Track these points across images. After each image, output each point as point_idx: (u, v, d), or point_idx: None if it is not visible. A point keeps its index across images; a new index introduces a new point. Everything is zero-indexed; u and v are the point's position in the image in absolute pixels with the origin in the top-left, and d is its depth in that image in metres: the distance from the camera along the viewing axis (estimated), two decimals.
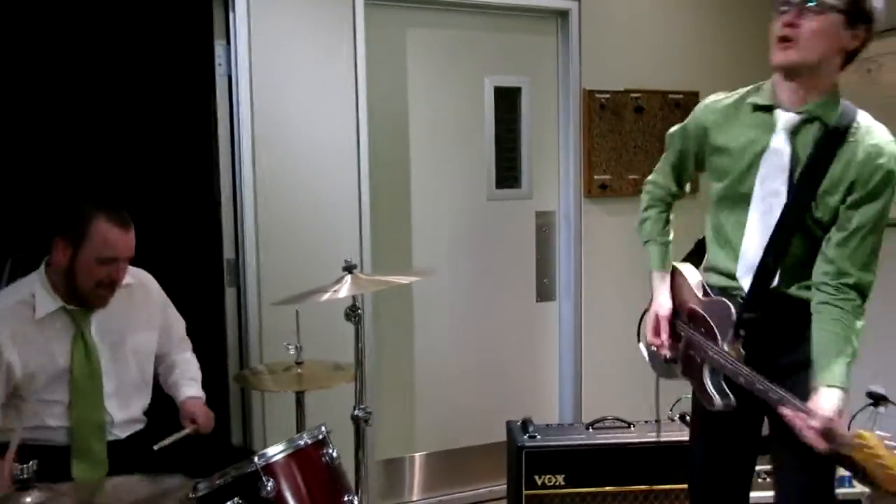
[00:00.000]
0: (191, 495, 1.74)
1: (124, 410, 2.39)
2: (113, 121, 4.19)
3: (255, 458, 1.75)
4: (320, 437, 1.88)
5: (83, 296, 2.26)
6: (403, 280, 2.28)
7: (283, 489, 1.76)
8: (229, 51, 3.10)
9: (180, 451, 2.28)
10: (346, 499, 1.84)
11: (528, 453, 2.89)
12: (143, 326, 2.45)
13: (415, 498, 3.59)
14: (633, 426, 2.92)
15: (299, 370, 2.41)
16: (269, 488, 1.74)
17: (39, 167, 3.99)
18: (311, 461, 1.84)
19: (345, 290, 2.08)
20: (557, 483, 2.90)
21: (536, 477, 2.89)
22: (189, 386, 2.51)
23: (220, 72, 3.14)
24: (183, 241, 3.81)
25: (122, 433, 2.38)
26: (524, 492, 2.89)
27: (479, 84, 3.54)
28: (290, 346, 2.38)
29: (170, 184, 4.07)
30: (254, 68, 3.08)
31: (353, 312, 2.13)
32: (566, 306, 3.73)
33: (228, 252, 3.22)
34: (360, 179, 3.26)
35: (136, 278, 2.46)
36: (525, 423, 3.03)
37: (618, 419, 2.97)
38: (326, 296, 2.08)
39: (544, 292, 3.77)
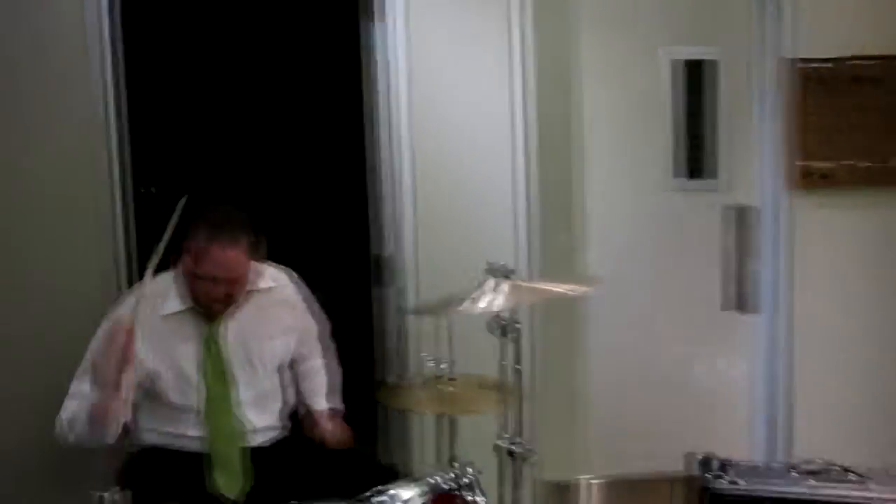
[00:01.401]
0: None
1: (263, 417, 2.22)
2: (262, 107, 4.11)
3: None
4: (466, 481, 1.52)
5: (203, 306, 2.09)
6: (567, 290, 1.87)
7: None
8: (384, 32, 2.83)
9: (325, 467, 2.11)
10: None
11: (724, 499, 2.39)
12: (279, 332, 2.26)
13: None
14: (868, 478, 2.30)
15: (449, 388, 2.07)
16: None
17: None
18: None
19: (500, 299, 1.72)
20: None
21: None
22: (319, 396, 2.31)
23: (374, 56, 2.89)
24: (329, 235, 3.65)
25: (265, 441, 2.22)
26: None
27: (656, 57, 3.06)
28: (429, 359, 2.05)
29: (318, 175, 3.94)
30: (410, 51, 2.82)
31: (509, 326, 1.75)
32: (766, 320, 3.14)
33: (376, 247, 2.95)
34: (516, 170, 2.91)
35: (277, 281, 2.29)
36: (709, 460, 2.51)
37: (839, 465, 2.37)
38: (480, 306, 1.73)
39: (738, 302, 3.21)
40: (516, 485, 1.77)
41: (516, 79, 2.87)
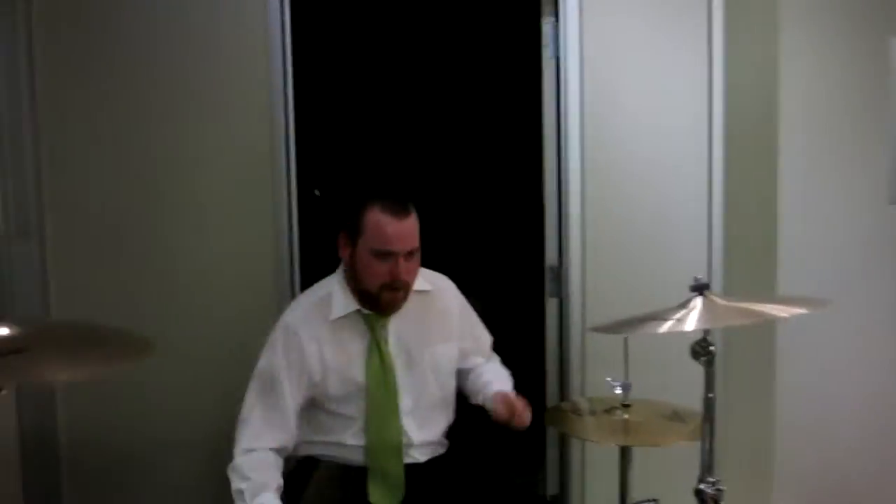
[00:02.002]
0: None
1: (423, 431, 2.11)
2: (435, 114, 4.05)
3: None
4: None
5: (372, 298, 2.01)
6: (779, 311, 1.61)
7: None
8: (557, 28, 2.70)
9: (479, 492, 2.03)
10: None
11: None
12: (442, 338, 2.15)
13: None
14: None
15: (625, 415, 1.88)
16: None
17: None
18: None
19: (693, 320, 1.51)
20: None
21: None
22: (495, 383, 2.15)
23: (547, 53, 2.75)
24: (506, 243, 3.52)
25: (421, 456, 2.11)
26: None
27: (882, 48, 2.63)
28: (614, 382, 1.86)
29: (494, 179, 3.82)
30: (584, 48, 2.66)
31: (703, 350, 1.54)
32: None
33: (551, 258, 2.81)
34: (712, 177, 2.67)
35: (435, 285, 2.19)
36: None
37: None
38: (666, 326, 1.53)
39: None
40: None
41: (704, 79, 2.66)
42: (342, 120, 4.07)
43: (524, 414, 1.98)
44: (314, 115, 3.16)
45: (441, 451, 2.16)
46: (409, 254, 1.97)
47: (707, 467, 1.56)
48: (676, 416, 1.91)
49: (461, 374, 2.22)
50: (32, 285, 2.70)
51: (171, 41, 2.64)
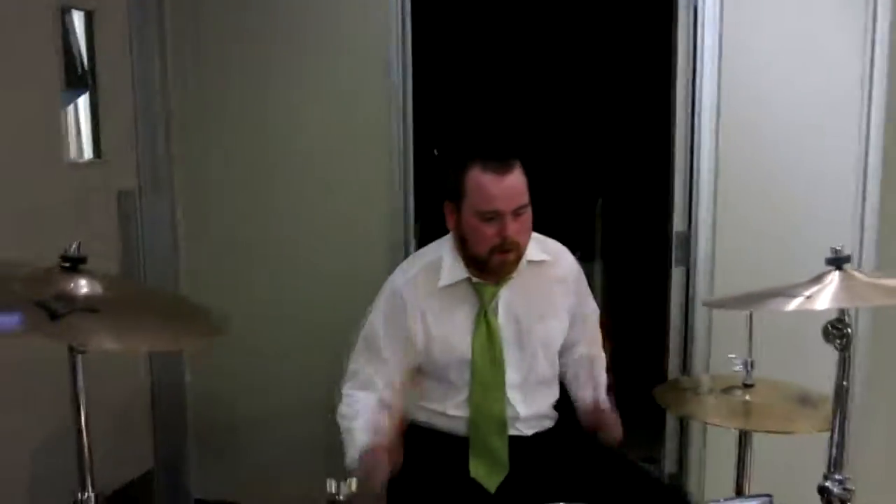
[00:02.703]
0: None
1: (530, 405, 2.02)
2: (559, 75, 3.89)
3: None
4: None
5: (482, 265, 1.91)
6: None
7: None
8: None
9: (596, 475, 1.85)
10: None
11: None
12: (554, 310, 2.04)
13: None
14: None
15: (746, 396, 1.71)
16: None
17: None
18: None
19: (826, 298, 1.34)
20: None
21: None
22: (589, 387, 2.03)
23: (682, 3, 2.53)
24: (631, 207, 3.35)
25: (527, 430, 2.02)
26: None
27: None
28: (736, 360, 1.70)
29: (619, 139, 3.65)
30: (719, 13, 2.42)
31: (837, 332, 1.37)
32: None
33: (679, 223, 2.63)
34: (869, 142, 2.36)
35: (552, 254, 2.06)
36: None
37: None
38: (794, 304, 1.36)
39: None
40: None
41: (864, 32, 2.34)
42: (461, 76, 3.98)
43: (613, 430, 1.88)
44: (433, 73, 3.09)
45: (549, 424, 2.06)
46: (517, 212, 1.83)
47: (835, 463, 1.39)
48: (807, 400, 1.72)
49: (562, 350, 2.11)
50: (163, 236, 2.85)
51: (291, 3, 2.68)
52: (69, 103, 2.58)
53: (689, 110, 2.53)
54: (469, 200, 1.85)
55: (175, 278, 2.88)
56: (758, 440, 1.76)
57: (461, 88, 3.99)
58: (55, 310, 1.10)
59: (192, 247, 2.89)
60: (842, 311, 1.37)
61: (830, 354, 1.39)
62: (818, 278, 1.41)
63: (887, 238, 2.39)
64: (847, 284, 1.37)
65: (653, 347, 2.75)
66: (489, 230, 1.84)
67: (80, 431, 1.26)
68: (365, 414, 1.89)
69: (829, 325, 1.38)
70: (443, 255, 1.98)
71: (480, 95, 4.04)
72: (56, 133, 2.47)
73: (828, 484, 1.40)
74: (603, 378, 2.10)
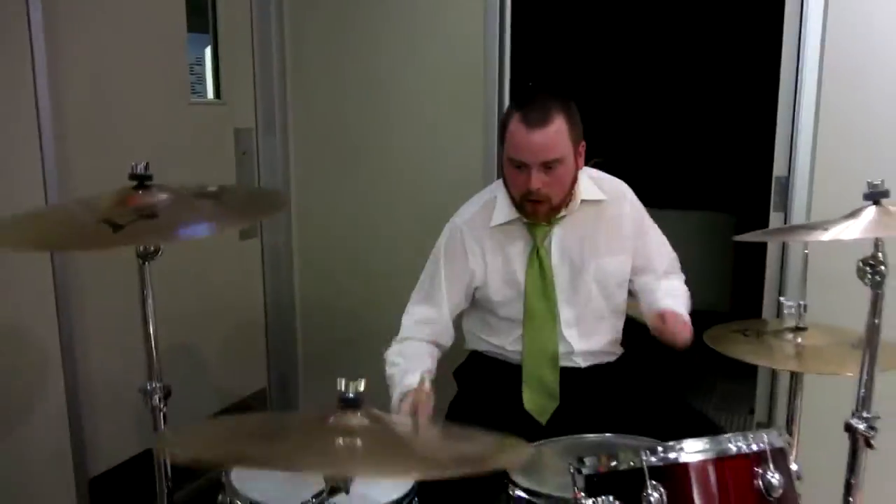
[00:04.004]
0: (573, 469, 1.31)
1: (586, 341, 2.06)
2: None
3: (646, 454, 1.21)
4: (758, 448, 1.22)
5: (520, 209, 1.96)
6: None
7: None
8: None
9: (638, 402, 1.91)
10: None
11: None
12: (611, 250, 2.04)
13: None
14: None
15: (798, 339, 1.68)
16: (652, 499, 1.18)
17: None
18: (731, 479, 1.20)
19: (857, 229, 1.30)
20: None
21: None
22: (663, 299, 2.00)
23: None
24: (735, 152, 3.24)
25: (583, 362, 2.07)
26: None
27: None
28: (788, 303, 1.66)
29: (725, 85, 3.51)
30: None
31: (871, 267, 1.33)
32: None
33: (780, 169, 2.54)
34: None
35: (611, 194, 2.06)
36: None
37: None
38: (822, 235, 1.33)
39: None
40: (852, 468, 1.37)
41: None
42: (561, 12, 3.95)
43: (681, 332, 1.84)
44: (532, 8, 3.11)
45: (609, 359, 2.09)
46: (546, 165, 1.85)
47: (862, 400, 1.36)
48: (860, 344, 1.66)
49: (631, 293, 2.11)
50: (277, 172, 3.09)
51: None
52: (194, 48, 2.83)
53: (795, 57, 2.45)
54: (506, 145, 1.90)
55: (287, 210, 3.13)
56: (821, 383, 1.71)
57: (558, 26, 3.98)
58: (116, 222, 1.27)
59: (302, 181, 3.11)
60: (876, 247, 1.33)
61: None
62: (854, 213, 1.37)
63: None
64: (882, 219, 1.32)
65: (748, 295, 2.70)
66: (518, 178, 1.89)
67: (147, 336, 1.45)
68: (413, 358, 1.95)
69: (861, 262, 1.34)
70: (497, 196, 2.04)
71: (577, 34, 4.02)
72: (181, 75, 2.72)
73: (853, 421, 1.37)
74: (680, 292, 2.08)
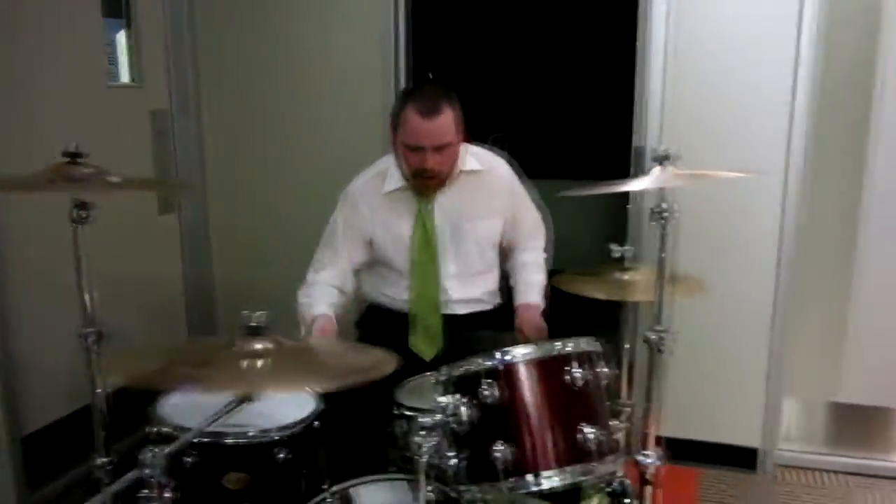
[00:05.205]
0: (439, 379, 1.66)
1: (464, 290, 2.42)
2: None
3: (479, 358, 1.58)
4: (567, 351, 1.60)
5: (414, 181, 2.30)
6: (722, 174, 1.74)
7: (505, 398, 1.55)
8: None
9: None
10: (582, 429, 1.54)
11: None
12: (486, 214, 2.40)
13: (794, 448, 3.02)
14: None
15: (625, 276, 2.08)
16: (486, 393, 1.56)
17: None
18: (547, 376, 1.58)
19: (645, 182, 1.69)
20: None
21: None
22: (524, 292, 2.43)
23: None
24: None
25: (462, 310, 2.42)
26: None
27: None
28: (616, 248, 2.04)
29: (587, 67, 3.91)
30: None
31: (658, 213, 1.73)
32: None
33: (638, 140, 2.95)
34: (798, 66, 2.66)
35: (487, 165, 2.41)
36: None
37: None
38: (618, 187, 1.72)
39: None
40: (650, 371, 1.78)
41: None
42: (459, 13, 4.31)
43: (526, 330, 2.30)
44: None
45: (486, 307, 2.46)
46: (439, 148, 2.21)
47: (656, 318, 1.77)
48: (672, 278, 2.07)
49: (503, 252, 2.49)
50: (191, 153, 3.34)
51: None
52: (108, 33, 3.03)
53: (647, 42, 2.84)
54: (401, 131, 2.23)
55: (203, 187, 3.39)
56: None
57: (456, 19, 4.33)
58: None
59: (217, 159, 3.38)
60: (660, 196, 1.72)
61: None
62: (648, 172, 1.76)
63: (816, 158, 2.70)
64: (664, 176, 1.71)
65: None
66: (413, 158, 2.23)
67: (80, 287, 1.73)
68: (319, 296, 2.31)
69: (651, 209, 1.73)
70: (388, 167, 2.38)
71: (474, 25, 4.37)
72: (98, 60, 2.93)
73: (649, 334, 1.78)
74: (537, 279, 2.47)
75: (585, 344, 1.64)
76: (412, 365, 2.20)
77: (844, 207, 2.80)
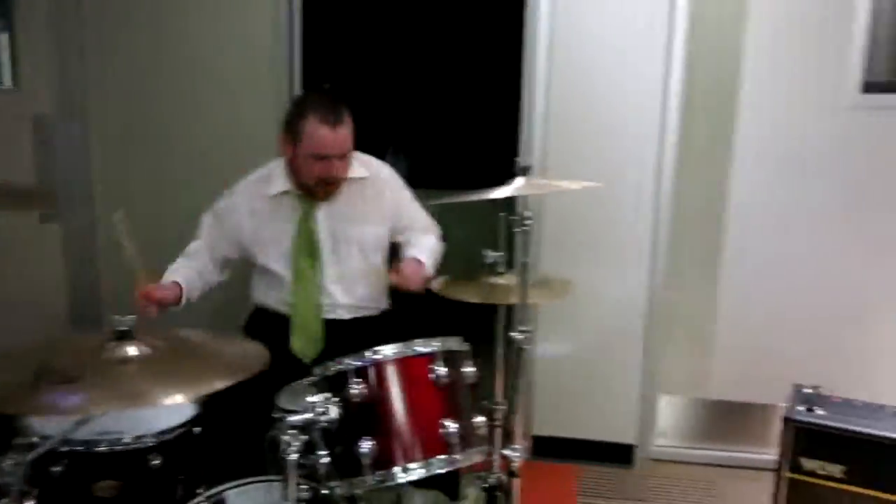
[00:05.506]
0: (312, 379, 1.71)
1: (349, 295, 2.46)
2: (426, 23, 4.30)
3: (348, 358, 1.65)
4: (432, 349, 1.68)
5: (310, 189, 2.35)
6: (569, 185, 1.88)
7: (373, 396, 1.63)
8: None
9: None
10: (444, 423, 1.63)
11: (798, 429, 2.28)
12: (371, 220, 2.46)
13: (667, 443, 3.21)
14: None
15: (499, 280, 2.18)
16: (354, 391, 1.62)
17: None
18: (412, 374, 1.66)
19: (505, 191, 1.80)
20: (832, 475, 2.24)
21: (805, 460, 2.27)
22: (412, 249, 2.48)
23: None
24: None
25: (347, 314, 2.47)
26: (786, 473, 2.31)
27: None
28: (489, 255, 2.15)
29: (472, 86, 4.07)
30: None
31: (518, 220, 1.84)
32: None
33: (524, 157, 3.08)
34: (669, 77, 2.85)
35: (372, 172, 2.48)
36: (811, 393, 2.40)
37: None
38: (480, 195, 1.83)
39: None
40: (516, 372, 1.88)
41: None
42: (350, 24, 4.39)
43: (412, 275, 2.33)
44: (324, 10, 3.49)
45: (371, 312, 2.51)
46: (343, 155, 2.30)
47: (520, 319, 1.88)
48: (542, 283, 2.21)
49: (397, 247, 2.56)
50: (76, 159, 3.27)
51: None
52: None
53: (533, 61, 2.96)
54: (305, 144, 2.27)
55: (89, 194, 3.33)
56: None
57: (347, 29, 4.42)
58: None
59: (104, 165, 3.33)
60: (519, 203, 1.84)
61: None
62: (510, 183, 1.87)
63: (684, 168, 2.90)
64: (524, 186, 1.83)
65: None
66: (319, 167, 2.29)
67: None
68: (178, 268, 2.39)
69: (512, 217, 1.84)
70: (274, 170, 2.43)
71: (369, 32, 4.47)
72: None
73: (514, 334, 1.88)
74: (427, 246, 2.53)
75: (451, 344, 1.73)
76: (294, 369, 2.24)
77: (711, 211, 3.00)
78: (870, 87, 2.81)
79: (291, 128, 2.31)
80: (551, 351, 2.99)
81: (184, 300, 2.30)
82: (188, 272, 2.37)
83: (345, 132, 2.27)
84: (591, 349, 3.02)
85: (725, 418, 3.20)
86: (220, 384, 1.43)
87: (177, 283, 2.30)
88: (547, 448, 3.11)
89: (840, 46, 2.80)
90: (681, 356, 3.11)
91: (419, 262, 2.41)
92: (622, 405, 3.06)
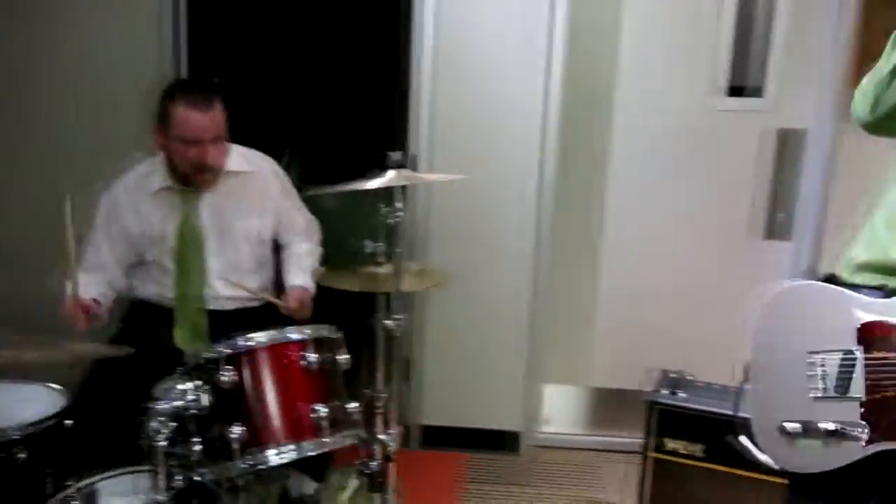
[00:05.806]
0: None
1: (231, 288, 2.45)
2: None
3: (220, 346, 1.67)
4: (303, 336, 1.73)
5: (186, 178, 2.34)
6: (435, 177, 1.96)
7: (243, 382, 1.65)
8: None
9: None
10: (315, 408, 1.67)
11: (661, 411, 2.43)
12: (255, 213, 2.47)
13: (551, 430, 3.34)
14: None
15: (379, 270, 2.23)
16: (225, 378, 1.65)
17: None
18: (283, 360, 1.70)
19: (377, 182, 1.86)
20: (693, 453, 2.39)
21: (668, 440, 2.42)
22: (295, 275, 2.50)
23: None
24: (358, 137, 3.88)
25: (230, 306, 2.47)
26: (649, 453, 2.44)
27: None
28: (372, 243, 2.19)
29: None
30: None
31: (391, 210, 1.90)
32: (794, 248, 3.03)
33: (413, 148, 3.13)
34: (550, 75, 2.95)
35: (256, 167, 2.49)
36: (676, 377, 2.55)
37: None
38: (356, 186, 1.88)
39: (776, 230, 3.08)
40: (389, 359, 1.94)
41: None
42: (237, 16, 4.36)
43: (296, 311, 2.35)
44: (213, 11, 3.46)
45: (254, 303, 2.49)
46: (216, 139, 2.28)
47: (394, 308, 1.94)
48: (421, 273, 2.27)
49: (279, 249, 2.57)
50: None
51: None
52: None
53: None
54: (175, 128, 2.26)
55: None
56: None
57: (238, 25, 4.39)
58: None
59: None
60: (395, 198, 1.90)
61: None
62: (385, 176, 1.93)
63: (566, 160, 3.01)
64: (397, 178, 1.89)
65: None
66: (192, 152, 2.27)
67: None
68: (88, 286, 2.27)
69: (382, 205, 1.90)
70: (156, 165, 2.41)
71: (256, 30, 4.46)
72: None
73: (386, 322, 1.94)
74: (308, 265, 2.55)
75: (323, 331, 1.77)
76: (177, 361, 2.22)
77: (590, 206, 3.14)
78: (734, 91, 3.00)
79: (161, 113, 2.29)
80: (439, 342, 3.07)
81: (104, 317, 2.25)
82: (99, 287, 2.32)
83: (215, 115, 2.25)
84: (479, 340, 3.11)
85: (606, 405, 3.36)
86: None
87: (96, 301, 2.23)
88: (437, 438, 3.18)
89: (707, 54, 2.98)
90: (564, 346, 3.24)
91: (304, 289, 2.44)
92: (508, 394, 3.16)
